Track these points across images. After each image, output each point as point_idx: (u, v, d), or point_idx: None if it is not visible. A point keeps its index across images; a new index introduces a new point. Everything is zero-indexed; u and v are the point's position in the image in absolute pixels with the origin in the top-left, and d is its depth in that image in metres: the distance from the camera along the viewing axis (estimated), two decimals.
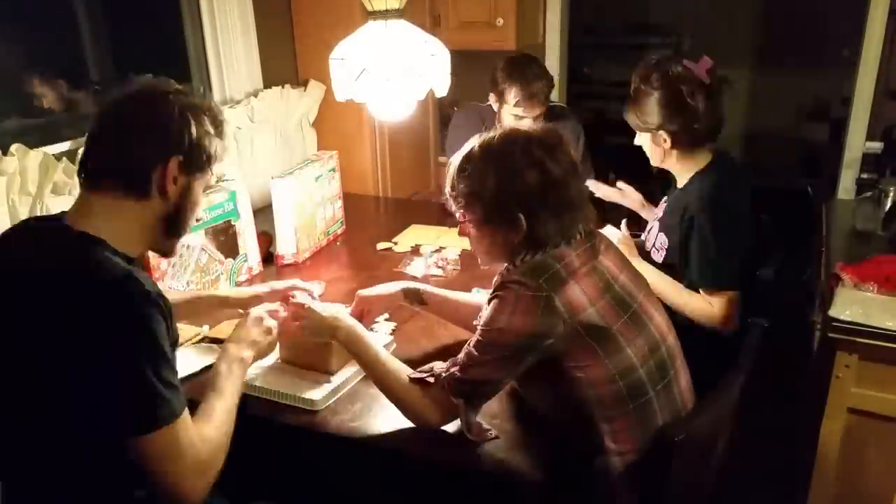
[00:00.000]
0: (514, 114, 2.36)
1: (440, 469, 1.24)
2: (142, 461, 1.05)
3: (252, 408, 1.39)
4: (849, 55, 3.60)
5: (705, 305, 1.74)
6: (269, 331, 1.38)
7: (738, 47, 5.46)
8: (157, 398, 1.04)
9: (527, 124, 2.27)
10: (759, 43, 5.42)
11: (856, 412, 1.77)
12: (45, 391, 1.06)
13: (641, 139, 1.84)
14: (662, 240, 1.84)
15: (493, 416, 1.34)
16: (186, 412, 1.09)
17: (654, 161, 1.86)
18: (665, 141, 1.76)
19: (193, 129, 1.16)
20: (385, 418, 1.35)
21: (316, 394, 1.39)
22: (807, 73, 5.19)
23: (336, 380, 1.44)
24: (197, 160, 1.18)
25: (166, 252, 1.28)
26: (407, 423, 1.32)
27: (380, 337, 1.59)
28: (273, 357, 1.52)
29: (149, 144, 1.14)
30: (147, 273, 1.68)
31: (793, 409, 2.49)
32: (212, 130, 1.20)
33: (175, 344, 1.13)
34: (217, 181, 2.07)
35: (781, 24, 5.26)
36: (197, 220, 1.31)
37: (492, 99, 2.44)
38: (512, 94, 2.32)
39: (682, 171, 1.83)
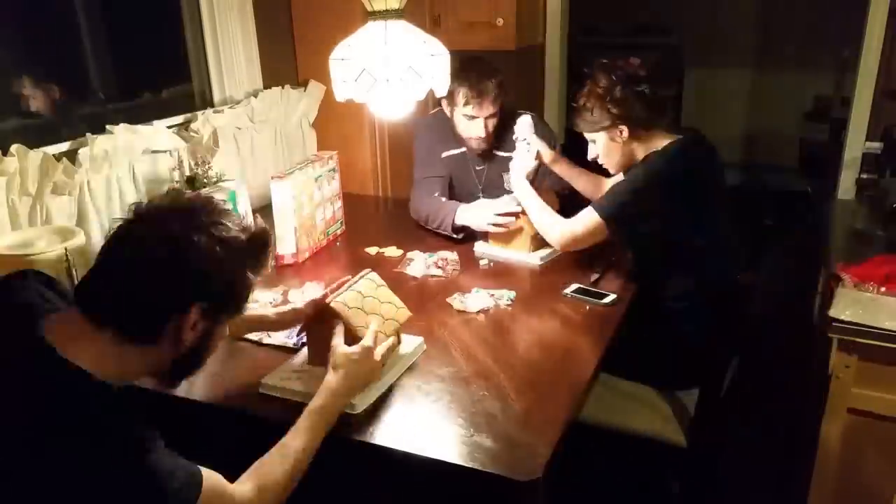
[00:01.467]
0: (464, 114, 2.29)
1: (440, 469, 1.24)
2: None
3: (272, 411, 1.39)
4: (849, 55, 3.60)
5: (555, 230, 1.92)
6: (377, 367, 1.34)
7: (738, 47, 5.46)
8: (165, 489, 0.93)
9: (480, 125, 2.29)
10: (759, 43, 5.42)
11: (856, 412, 1.77)
12: None
13: (596, 147, 1.91)
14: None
15: (492, 416, 1.34)
16: (208, 478, 1.00)
17: (615, 164, 1.92)
18: (622, 133, 1.84)
19: (226, 270, 0.99)
20: (384, 418, 1.35)
21: (355, 398, 1.36)
22: (807, 73, 5.19)
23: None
24: (227, 305, 1.03)
25: (168, 388, 1.16)
26: (403, 423, 1.33)
27: (411, 340, 1.59)
28: (300, 358, 1.52)
29: (167, 290, 0.97)
30: None
31: (793, 409, 2.49)
32: (248, 264, 1.03)
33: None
34: (217, 181, 2.08)
35: (781, 24, 5.26)
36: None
37: (444, 105, 2.37)
38: (461, 95, 2.25)
39: (642, 156, 1.89)
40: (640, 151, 1.86)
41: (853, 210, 2.50)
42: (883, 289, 1.83)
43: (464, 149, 2.46)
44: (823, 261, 2.20)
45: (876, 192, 2.47)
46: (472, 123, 2.31)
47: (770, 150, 5.45)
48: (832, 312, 1.74)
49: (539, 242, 2.08)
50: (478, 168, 2.49)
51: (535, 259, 2.05)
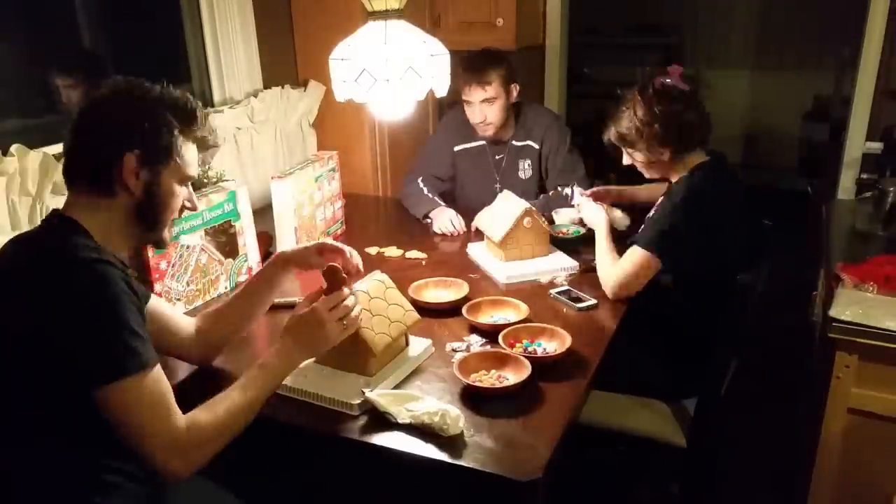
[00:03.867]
0: (463, 99, 2.40)
1: (440, 469, 1.24)
2: (114, 418, 1.08)
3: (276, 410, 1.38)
4: (849, 55, 3.60)
5: (606, 272, 1.81)
6: (342, 328, 1.34)
7: (738, 47, 5.47)
8: (121, 348, 1.07)
9: (475, 110, 2.38)
10: (759, 43, 5.42)
11: (856, 412, 1.77)
12: (14, 358, 1.10)
13: (632, 158, 1.89)
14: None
15: (492, 416, 1.34)
16: (158, 371, 1.12)
17: (651, 174, 1.92)
18: (663, 153, 1.82)
19: (147, 123, 1.18)
20: (383, 418, 1.35)
21: (356, 398, 1.36)
22: (807, 73, 5.19)
23: (375, 382, 1.42)
24: (156, 153, 1.19)
25: (156, 243, 1.31)
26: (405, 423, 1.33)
27: (420, 342, 1.59)
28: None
29: (103, 142, 1.17)
30: (146, 274, 1.69)
31: (793, 409, 2.49)
32: (174, 121, 1.20)
33: (143, 320, 1.16)
34: (217, 181, 2.07)
35: (781, 24, 5.26)
36: (183, 212, 1.31)
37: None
38: (461, 80, 2.35)
39: (676, 175, 1.87)
40: (678, 167, 1.84)
41: (853, 210, 2.50)
42: (883, 289, 1.83)
43: (482, 142, 2.55)
44: (823, 261, 2.20)
45: (876, 192, 2.47)
46: (469, 109, 2.41)
47: (770, 150, 5.45)
48: (832, 312, 1.74)
49: (514, 253, 2.04)
50: (496, 158, 2.58)
51: (501, 276, 1.97)
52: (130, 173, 1.17)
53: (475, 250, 2.16)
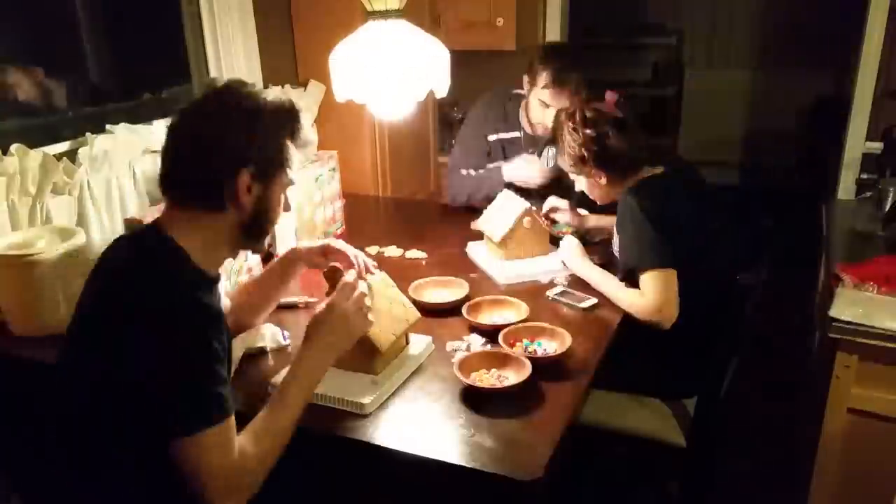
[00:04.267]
0: (541, 98, 2.29)
1: (441, 469, 1.24)
2: (182, 461, 1.05)
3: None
4: (849, 55, 3.59)
5: (636, 297, 1.75)
6: (365, 315, 1.32)
7: (738, 47, 5.46)
8: (207, 399, 1.06)
9: (551, 115, 2.23)
10: (759, 43, 5.42)
11: (856, 412, 1.77)
12: (103, 389, 1.09)
13: (580, 184, 1.93)
14: (616, 241, 1.88)
15: (493, 416, 1.34)
16: (231, 420, 1.10)
17: (600, 198, 1.93)
18: (601, 178, 1.85)
19: (260, 137, 1.15)
20: (386, 418, 1.35)
21: (365, 397, 1.37)
22: (807, 73, 5.19)
23: (382, 380, 1.42)
24: (268, 166, 1.18)
25: (256, 251, 1.33)
26: (405, 423, 1.33)
27: (420, 340, 1.59)
28: None
29: (215, 160, 1.14)
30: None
31: (793, 409, 2.49)
32: (281, 131, 1.18)
33: (229, 362, 1.17)
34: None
35: (781, 24, 5.26)
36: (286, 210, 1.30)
37: (524, 82, 2.37)
38: (543, 77, 2.25)
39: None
40: (620, 189, 1.84)
41: (853, 210, 2.50)
42: (883, 289, 1.84)
43: (517, 133, 2.46)
44: (823, 261, 2.21)
45: (876, 192, 2.47)
46: (544, 111, 2.30)
47: (770, 150, 5.45)
48: (832, 312, 1.74)
49: (514, 252, 2.03)
50: (529, 151, 2.47)
51: (500, 276, 1.96)
52: (244, 189, 1.15)
53: (475, 250, 2.15)
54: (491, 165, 2.44)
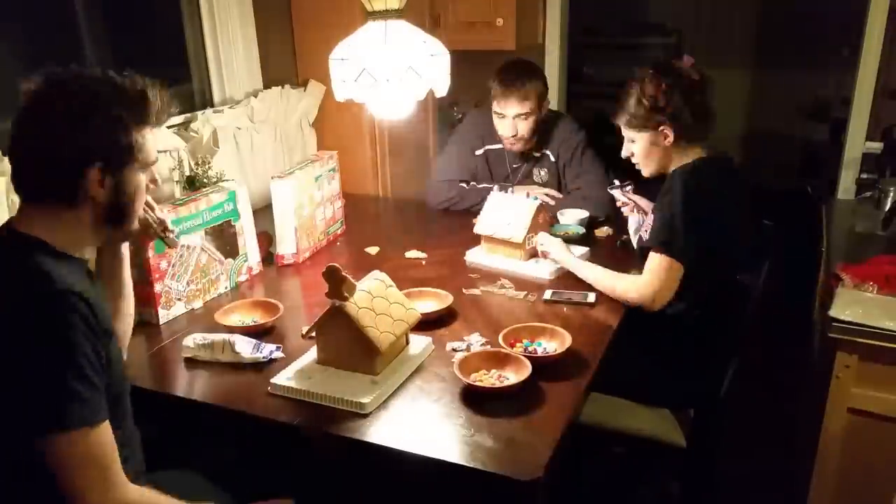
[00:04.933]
0: (494, 111, 2.36)
1: (441, 469, 1.24)
2: (50, 467, 1.01)
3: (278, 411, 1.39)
4: (849, 55, 3.60)
5: (629, 280, 1.76)
6: None
7: (738, 47, 5.46)
8: (67, 399, 1.01)
9: (508, 124, 2.33)
10: (759, 43, 5.42)
11: (856, 412, 1.77)
12: None
13: (634, 146, 1.85)
14: (650, 221, 1.86)
15: (493, 416, 1.34)
16: (106, 425, 1.06)
17: (651, 167, 1.86)
18: (667, 137, 1.78)
19: (101, 129, 1.11)
20: (386, 418, 1.35)
21: (365, 397, 1.37)
22: (807, 73, 5.19)
23: (382, 380, 1.43)
24: (118, 157, 1.14)
25: (122, 239, 1.27)
26: (404, 423, 1.33)
27: (420, 340, 1.59)
28: (309, 358, 1.51)
29: (60, 162, 1.10)
30: (146, 274, 1.68)
31: (793, 409, 2.49)
32: (127, 116, 1.13)
33: (107, 336, 1.11)
34: (217, 181, 2.07)
35: (781, 24, 5.25)
36: (148, 190, 1.24)
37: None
38: (492, 90, 2.32)
39: (673, 166, 1.84)
40: (676, 160, 1.81)
41: (853, 210, 2.50)
42: (883, 289, 1.83)
43: (501, 145, 2.51)
44: (823, 261, 2.20)
45: (876, 192, 2.47)
46: (501, 122, 2.36)
47: (770, 150, 5.45)
48: (832, 312, 1.74)
49: (532, 251, 2.06)
50: (514, 166, 2.54)
51: (545, 273, 1.98)
52: (95, 185, 1.12)
53: (477, 257, 2.11)
54: (480, 186, 2.49)
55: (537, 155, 2.51)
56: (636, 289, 1.74)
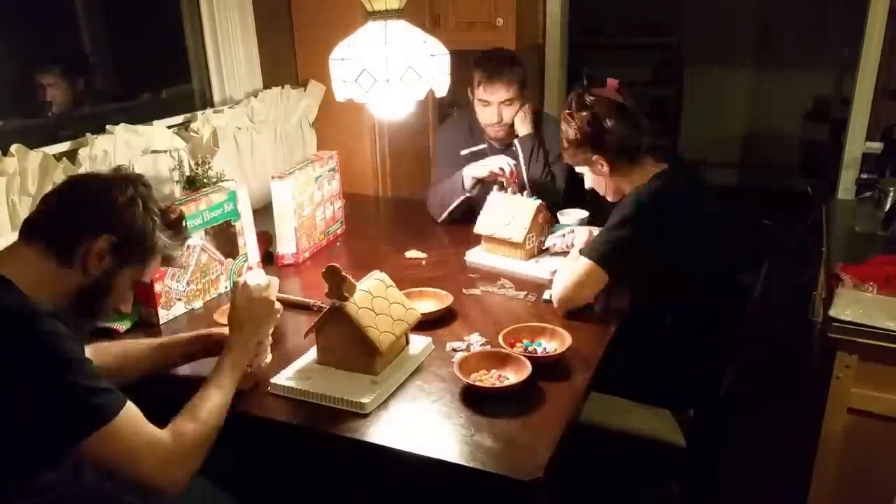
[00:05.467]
0: (480, 99, 2.36)
1: (441, 468, 1.24)
2: (99, 464, 1.08)
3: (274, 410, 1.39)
4: (849, 55, 3.60)
5: (556, 283, 1.75)
6: (274, 309, 1.41)
7: (738, 47, 5.46)
8: (81, 403, 1.05)
9: (493, 111, 2.34)
10: (759, 43, 5.42)
11: (856, 412, 1.77)
12: None
13: (588, 179, 1.90)
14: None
15: (493, 416, 1.34)
16: (128, 409, 1.10)
17: (609, 193, 1.89)
18: (602, 166, 1.81)
19: (140, 217, 1.19)
20: (386, 418, 1.35)
21: (365, 397, 1.37)
22: (807, 73, 5.19)
23: (382, 381, 1.42)
24: (133, 248, 1.19)
25: (79, 326, 1.23)
26: (404, 423, 1.33)
27: (420, 340, 1.59)
28: (309, 358, 1.51)
29: (85, 213, 1.16)
30: None
31: (793, 409, 2.49)
32: (162, 225, 1.23)
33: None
34: (217, 181, 2.08)
35: (781, 24, 5.26)
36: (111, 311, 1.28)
37: (469, 95, 2.43)
38: (476, 79, 2.33)
39: (631, 187, 1.83)
40: (632, 179, 1.81)
41: (853, 210, 2.50)
42: (883, 289, 1.83)
43: (484, 145, 2.51)
44: (823, 261, 2.20)
45: (876, 192, 2.47)
46: (485, 109, 2.36)
47: (770, 150, 5.45)
48: (832, 312, 1.74)
49: (531, 251, 2.06)
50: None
51: (543, 272, 1.97)
52: (97, 254, 1.15)
53: (477, 257, 2.11)
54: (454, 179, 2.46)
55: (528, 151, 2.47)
56: (555, 289, 1.74)
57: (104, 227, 1.16)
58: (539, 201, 2.08)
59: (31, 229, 1.17)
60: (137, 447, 1.09)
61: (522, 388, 1.39)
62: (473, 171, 2.28)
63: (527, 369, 1.42)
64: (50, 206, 1.18)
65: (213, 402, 1.23)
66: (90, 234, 1.15)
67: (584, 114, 1.77)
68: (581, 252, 1.75)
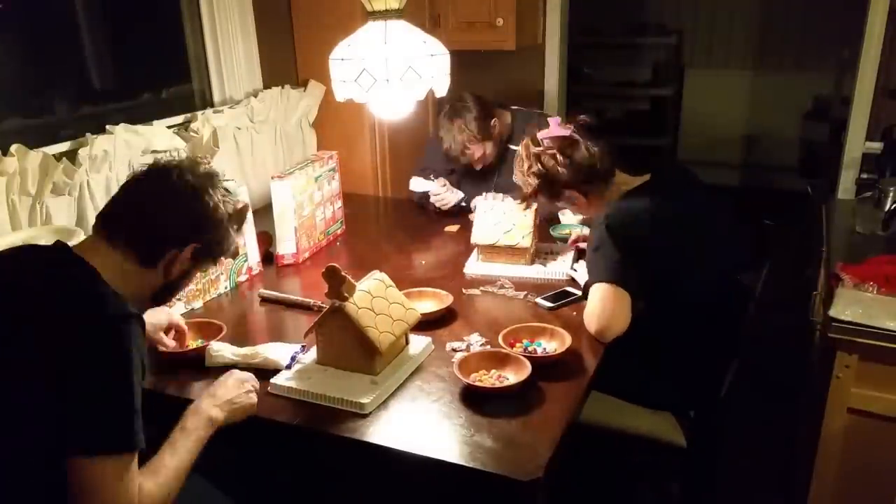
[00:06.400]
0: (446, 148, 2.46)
1: (441, 469, 1.24)
2: (78, 486, 1.01)
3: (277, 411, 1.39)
4: (849, 55, 3.60)
5: (589, 317, 1.68)
6: (249, 392, 1.34)
7: (738, 47, 5.46)
8: (119, 422, 1.03)
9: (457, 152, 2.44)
10: (759, 43, 5.42)
11: (856, 412, 1.77)
12: (14, 398, 1.03)
13: (569, 215, 1.96)
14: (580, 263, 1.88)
15: (493, 416, 1.34)
16: (136, 457, 1.06)
17: (592, 214, 1.86)
18: (577, 198, 1.82)
19: (224, 225, 1.23)
20: (386, 418, 1.35)
21: (365, 397, 1.37)
22: (807, 73, 5.19)
23: (381, 381, 1.43)
24: (210, 254, 1.25)
25: (142, 309, 1.26)
26: (404, 423, 1.33)
27: (420, 340, 1.59)
28: (309, 358, 1.52)
29: (178, 225, 1.19)
30: None
31: (793, 409, 2.49)
32: (235, 229, 1.27)
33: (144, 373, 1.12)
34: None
35: (781, 24, 5.26)
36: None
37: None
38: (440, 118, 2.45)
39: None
40: (607, 199, 1.80)
41: (853, 210, 2.50)
42: (883, 289, 1.83)
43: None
44: (823, 261, 2.20)
45: (876, 192, 2.47)
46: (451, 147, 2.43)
47: (770, 150, 5.45)
48: (832, 312, 1.74)
49: (534, 255, 2.05)
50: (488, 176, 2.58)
51: (549, 275, 1.98)
52: (183, 261, 1.20)
53: (477, 268, 2.06)
54: (450, 190, 2.54)
55: (515, 148, 2.49)
56: (589, 323, 1.67)
57: (191, 238, 1.20)
58: (535, 204, 2.07)
59: (113, 227, 1.17)
60: (118, 493, 1.03)
61: (522, 388, 1.39)
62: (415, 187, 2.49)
63: (526, 369, 1.42)
64: (134, 207, 1.19)
65: (172, 468, 1.15)
66: (178, 246, 1.19)
67: (536, 167, 1.79)
68: (588, 284, 1.72)
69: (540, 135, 1.81)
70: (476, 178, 2.58)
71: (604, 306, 1.63)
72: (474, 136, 2.41)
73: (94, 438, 1.02)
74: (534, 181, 1.80)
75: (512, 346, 1.55)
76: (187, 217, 1.19)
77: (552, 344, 1.56)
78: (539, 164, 1.79)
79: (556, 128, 1.81)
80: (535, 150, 1.80)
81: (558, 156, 1.77)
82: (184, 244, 1.19)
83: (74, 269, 1.11)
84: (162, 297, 1.26)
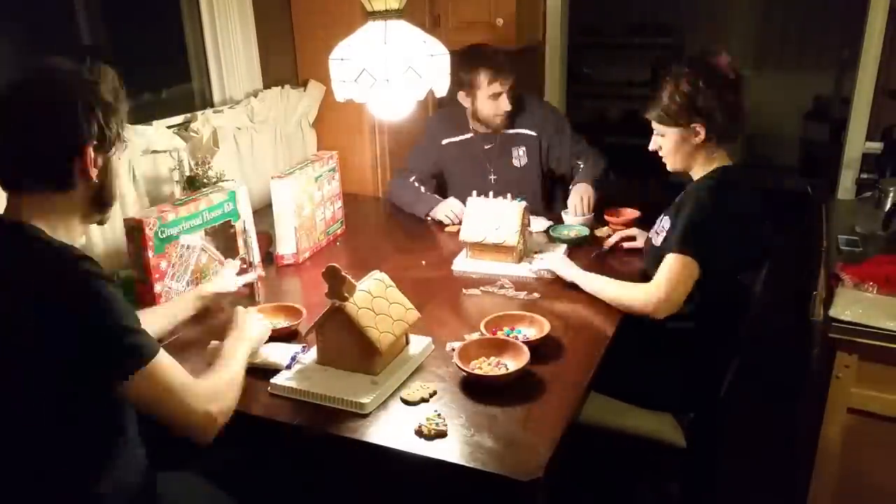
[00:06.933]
0: (492, 93, 2.42)
1: (441, 469, 1.24)
2: (142, 402, 1.14)
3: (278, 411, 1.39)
4: (849, 55, 3.60)
5: (641, 290, 1.73)
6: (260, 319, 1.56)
7: (739, 47, 5.46)
8: (130, 341, 1.11)
9: (504, 100, 2.44)
10: (759, 43, 5.42)
11: (856, 412, 1.77)
12: (23, 373, 1.09)
13: (663, 140, 1.84)
14: (666, 223, 1.84)
15: (492, 416, 1.34)
16: (163, 351, 1.16)
17: (675, 163, 1.86)
18: (698, 135, 1.77)
19: (98, 111, 1.15)
20: (386, 418, 1.35)
21: (365, 397, 1.37)
22: (807, 73, 5.19)
23: (381, 381, 1.43)
24: (109, 138, 1.19)
25: (101, 221, 1.30)
26: (405, 423, 1.33)
27: (420, 340, 1.59)
28: (309, 358, 1.52)
29: (59, 140, 1.14)
30: (146, 274, 1.69)
31: (793, 409, 2.49)
32: (111, 101, 1.18)
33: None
34: (217, 181, 2.08)
35: (781, 24, 5.26)
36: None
37: (462, 98, 2.50)
38: (482, 76, 2.39)
39: (699, 170, 1.84)
40: (702, 160, 1.81)
41: (853, 210, 2.50)
42: (883, 289, 1.83)
43: (470, 134, 2.59)
44: (823, 261, 2.20)
45: (876, 192, 2.47)
46: (499, 101, 2.44)
47: (770, 150, 5.45)
48: (832, 312, 1.74)
49: (521, 253, 2.05)
50: (486, 147, 2.60)
51: (525, 271, 1.99)
52: (91, 163, 1.16)
53: (466, 265, 2.07)
54: (428, 195, 2.58)
55: (510, 133, 2.56)
56: (645, 295, 1.71)
57: (82, 140, 1.14)
58: (524, 203, 2.07)
59: (17, 178, 1.16)
60: (176, 386, 1.15)
61: (521, 375, 1.41)
62: (436, 215, 2.46)
63: (525, 356, 1.44)
64: (15, 147, 1.15)
65: (228, 371, 1.32)
66: (76, 154, 1.15)
67: (706, 78, 1.75)
68: (668, 249, 1.72)
69: (714, 60, 1.79)
70: (469, 174, 2.58)
71: (679, 284, 1.68)
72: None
73: (124, 359, 1.10)
74: (684, 92, 1.75)
75: (493, 333, 1.59)
76: (55, 122, 1.14)
77: (531, 330, 1.60)
78: (701, 81, 1.74)
79: (724, 65, 1.80)
80: (711, 62, 1.77)
81: (724, 87, 1.76)
82: (78, 149, 1.15)
83: (19, 237, 1.13)
84: (103, 201, 1.23)
